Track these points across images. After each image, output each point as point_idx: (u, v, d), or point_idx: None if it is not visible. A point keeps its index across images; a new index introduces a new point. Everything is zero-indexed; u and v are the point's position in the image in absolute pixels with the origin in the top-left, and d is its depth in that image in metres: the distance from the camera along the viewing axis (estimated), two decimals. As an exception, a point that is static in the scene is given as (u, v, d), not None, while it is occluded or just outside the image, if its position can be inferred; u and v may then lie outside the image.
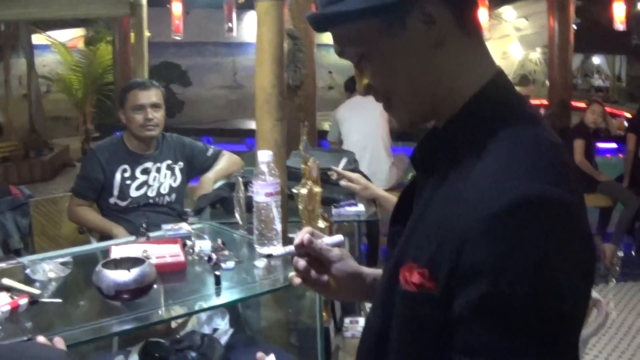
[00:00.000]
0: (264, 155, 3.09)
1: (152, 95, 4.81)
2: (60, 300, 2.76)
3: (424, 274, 1.39)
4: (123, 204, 4.82)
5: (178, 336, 3.17)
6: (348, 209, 4.39)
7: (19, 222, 5.79)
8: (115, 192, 4.81)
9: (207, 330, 3.41)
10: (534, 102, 12.48)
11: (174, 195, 4.96)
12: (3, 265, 3.07)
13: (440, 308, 1.36)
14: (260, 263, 3.06)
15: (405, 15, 1.39)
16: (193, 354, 2.88)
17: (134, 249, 3.13)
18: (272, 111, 3.49)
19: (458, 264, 1.31)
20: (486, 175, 1.34)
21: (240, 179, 3.65)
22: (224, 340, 3.20)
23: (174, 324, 3.69)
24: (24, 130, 16.48)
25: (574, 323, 1.34)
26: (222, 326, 3.42)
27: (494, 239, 1.27)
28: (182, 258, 3.07)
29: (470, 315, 1.30)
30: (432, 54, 1.43)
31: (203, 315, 3.40)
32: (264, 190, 3.06)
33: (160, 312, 2.74)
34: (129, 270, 2.62)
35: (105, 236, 4.77)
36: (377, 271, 1.89)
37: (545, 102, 11.72)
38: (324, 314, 3.22)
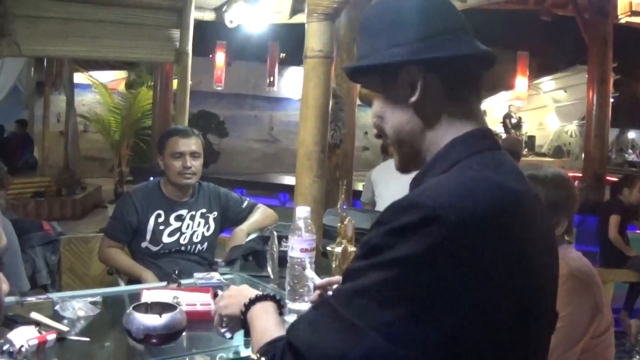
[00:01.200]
0: (302, 211, 3.08)
1: (192, 144, 4.83)
2: (87, 339, 2.75)
3: None
4: (155, 249, 4.81)
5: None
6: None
7: (48, 258, 5.79)
8: (148, 236, 4.81)
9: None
10: (570, 174, 12.41)
11: (205, 244, 4.95)
12: (32, 299, 3.06)
13: None
14: (290, 318, 3.03)
15: (397, 76, 1.72)
16: (232, 402, 2.86)
17: (165, 295, 3.13)
18: (313, 167, 3.50)
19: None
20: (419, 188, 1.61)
21: (274, 233, 3.65)
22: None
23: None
24: (59, 167, 16.65)
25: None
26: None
27: (381, 223, 1.53)
28: (212, 307, 3.05)
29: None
30: (414, 111, 1.73)
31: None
32: (299, 246, 3.04)
33: (185, 359, 2.72)
34: (160, 316, 2.61)
35: (133, 279, 4.77)
36: None
37: (579, 174, 11.72)
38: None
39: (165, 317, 2.61)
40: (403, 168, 1.87)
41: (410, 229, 1.46)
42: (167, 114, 12.57)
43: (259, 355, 1.70)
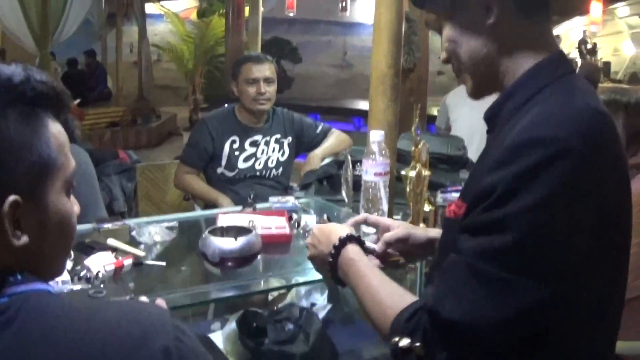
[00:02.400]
0: (376, 135, 3.05)
1: (266, 70, 4.83)
2: (163, 264, 2.78)
3: (460, 206, 1.69)
4: (230, 174, 4.85)
5: (276, 308, 3.16)
6: (454, 194, 4.30)
7: (124, 186, 5.88)
8: (223, 162, 4.85)
9: (305, 304, 3.39)
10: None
11: (280, 169, 4.97)
12: (109, 225, 3.09)
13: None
14: (369, 239, 3.02)
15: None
16: (291, 326, 2.87)
17: (240, 219, 3.14)
18: (386, 91, 3.45)
19: (478, 191, 1.54)
20: (523, 125, 1.53)
21: (349, 157, 3.63)
22: (321, 315, 3.19)
23: (270, 296, 3.70)
24: (133, 97, 16.81)
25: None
26: (321, 301, 3.41)
27: (504, 165, 1.47)
28: (287, 230, 3.06)
29: (466, 228, 1.55)
30: (490, 34, 1.69)
31: (302, 290, 3.38)
32: (373, 170, 3.03)
33: (260, 282, 2.74)
34: (235, 239, 2.62)
35: (209, 205, 4.82)
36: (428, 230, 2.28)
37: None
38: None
39: (241, 241, 2.62)
40: (476, 94, 1.84)
41: (542, 167, 1.43)
42: (239, 41, 12.51)
43: (392, 335, 1.58)
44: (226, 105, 5.19)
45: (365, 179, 3.06)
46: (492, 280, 1.45)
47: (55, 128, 1.34)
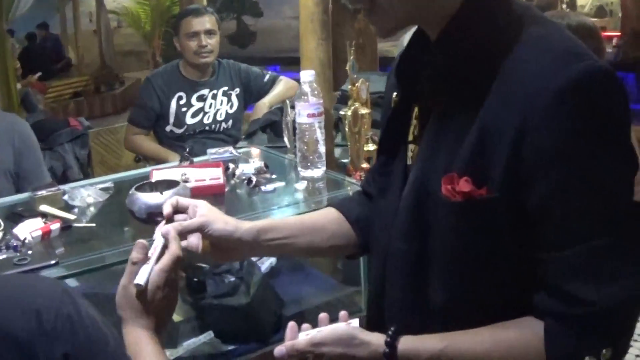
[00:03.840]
0: (306, 75, 2.97)
1: (206, 22, 4.76)
2: (93, 225, 2.71)
3: (468, 182, 1.36)
4: (179, 131, 4.81)
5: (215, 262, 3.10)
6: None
7: (77, 153, 5.78)
8: (172, 119, 4.80)
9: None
10: (610, 34, 12.08)
11: (230, 122, 4.92)
12: (43, 192, 3.01)
13: (499, 211, 1.34)
14: (301, 186, 2.97)
15: None
16: (232, 279, 2.81)
17: (174, 173, 3.06)
18: (316, 30, 3.37)
19: (518, 158, 1.30)
20: (536, 62, 1.31)
21: (287, 102, 3.55)
22: (268, 263, 3.13)
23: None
24: (96, 66, 16.65)
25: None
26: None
27: (567, 113, 1.26)
28: (221, 181, 2.99)
29: (555, 206, 1.30)
30: None
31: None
32: (306, 111, 2.95)
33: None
34: (161, 193, 2.54)
35: (161, 164, 4.76)
36: (257, 223, 1.78)
37: (618, 33, 11.42)
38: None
39: (167, 194, 2.53)
40: (394, 31, 1.49)
41: (607, 98, 1.29)
42: (194, -1, 12.38)
43: None
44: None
45: (298, 121, 2.99)
46: (623, 245, 1.28)
47: None
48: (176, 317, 2.93)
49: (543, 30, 1.38)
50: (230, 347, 2.79)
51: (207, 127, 4.85)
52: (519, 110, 1.28)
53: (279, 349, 1.51)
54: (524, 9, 1.42)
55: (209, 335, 2.76)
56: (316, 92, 2.96)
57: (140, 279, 1.52)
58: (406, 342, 1.45)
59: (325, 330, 1.51)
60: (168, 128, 4.83)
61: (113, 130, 5.99)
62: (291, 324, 1.56)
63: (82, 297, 1.23)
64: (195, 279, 2.91)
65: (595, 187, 1.27)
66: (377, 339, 1.47)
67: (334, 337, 1.48)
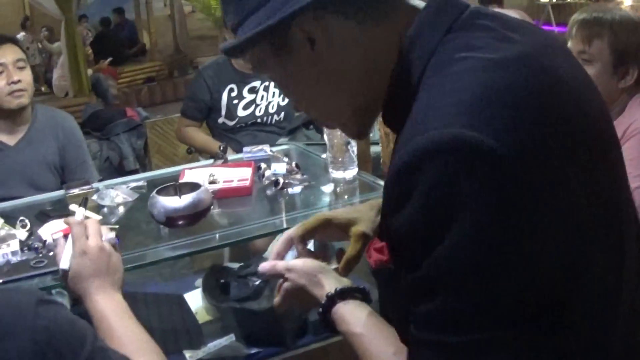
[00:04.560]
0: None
1: None
2: (116, 226, 2.71)
3: (382, 249, 1.37)
4: (231, 123, 4.81)
5: (243, 264, 3.08)
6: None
7: (134, 144, 5.85)
8: (223, 112, 4.80)
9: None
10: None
11: (282, 114, 4.89)
12: (76, 191, 3.04)
13: (397, 282, 1.28)
14: (328, 188, 2.92)
15: (287, 37, 1.30)
16: (256, 282, 2.79)
17: (204, 173, 3.05)
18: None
19: (390, 233, 1.24)
20: (405, 129, 1.21)
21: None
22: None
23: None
24: (169, 51, 16.75)
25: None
26: (300, 248, 3.32)
27: (398, 202, 1.16)
28: (248, 183, 2.96)
29: (409, 289, 1.22)
30: (328, 63, 1.32)
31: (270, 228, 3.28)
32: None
33: (215, 237, 2.66)
34: (180, 197, 2.54)
35: (213, 156, 4.77)
36: None
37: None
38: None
39: (186, 199, 2.53)
40: (364, 131, 1.46)
41: (446, 186, 1.11)
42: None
43: None
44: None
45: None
46: (463, 350, 1.17)
47: None
48: (200, 318, 2.94)
49: (437, 79, 1.22)
50: (253, 351, 2.77)
51: (258, 120, 4.84)
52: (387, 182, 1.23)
53: (263, 265, 1.66)
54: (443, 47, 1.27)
55: (230, 338, 2.74)
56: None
57: (64, 263, 1.80)
58: (341, 308, 1.49)
59: (300, 261, 1.61)
60: (220, 120, 4.83)
61: (170, 120, 6.01)
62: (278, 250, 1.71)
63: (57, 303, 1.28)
64: (222, 280, 2.90)
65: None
66: (328, 286, 1.52)
67: (302, 268, 1.57)
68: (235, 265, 3.04)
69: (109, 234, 1.92)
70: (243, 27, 1.33)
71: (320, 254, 1.73)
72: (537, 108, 1.15)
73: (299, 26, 1.28)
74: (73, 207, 2.86)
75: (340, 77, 1.34)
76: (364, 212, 1.72)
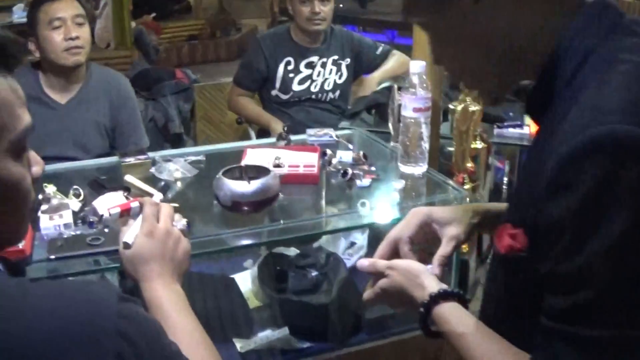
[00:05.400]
0: (416, 66, 2.79)
1: None
2: (176, 205, 2.59)
3: (515, 235, 1.38)
4: (284, 97, 4.72)
5: (300, 252, 2.96)
6: (512, 130, 3.96)
7: (181, 107, 5.75)
8: (277, 84, 4.71)
9: (343, 243, 3.19)
10: None
11: (337, 92, 4.80)
12: (131, 159, 2.92)
13: (530, 270, 1.32)
14: (399, 184, 2.79)
15: None
16: (314, 273, 2.70)
17: (268, 154, 2.92)
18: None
19: (538, 220, 1.26)
20: (572, 118, 1.23)
21: (395, 86, 3.36)
22: (357, 256, 3.00)
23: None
24: (213, 10, 16.60)
25: None
26: (360, 241, 3.21)
27: (557, 191, 1.20)
28: (315, 170, 2.83)
29: (549, 280, 1.26)
30: (487, 23, 1.37)
31: (340, 224, 3.18)
32: (412, 105, 2.78)
33: (285, 229, 2.53)
34: (248, 182, 2.42)
35: (263, 129, 4.68)
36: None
37: None
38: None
39: (255, 184, 2.41)
40: (501, 98, 1.56)
41: (609, 184, 1.15)
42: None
43: None
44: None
45: (403, 114, 2.82)
46: (599, 344, 1.20)
47: None
48: (252, 304, 2.84)
49: (604, 77, 1.25)
50: (306, 345, 2.69)
51: (313, 96, 4.75)
52: (549, 169, 1.23)
53: (362, 261, 1.75)
54: (606, 32, 1.33)
55: (284, 331, 2.64)
56: (425, 85, 2.79)
57: (128, 237, 1.76)
58: (444, 308, 1.53)
59: (404, 261, 1.69)
60: (274, 92, 4.74)
61: (219, 86, 5.92)
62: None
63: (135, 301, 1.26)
64: (278, 267, 2.80)
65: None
66: (431, 288, 1.56)
67: (405, 268, 1.64)
68: (292, 253, 2.92)
69: (182, 221, 1.86)
70: None
71: (421, 255, 1.76)
72: None
73: None
74: (129, 177, 2.77)
75: (492, 40, 1.38)
76: (461, 214, 1.77)
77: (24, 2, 11.73)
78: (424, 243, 1.81)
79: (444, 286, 1.57)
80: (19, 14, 11.18)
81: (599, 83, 1.24)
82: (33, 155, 1.32)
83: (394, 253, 1.77)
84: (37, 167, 1.34)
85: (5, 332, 1.06)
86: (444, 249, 1.73)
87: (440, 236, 1.76)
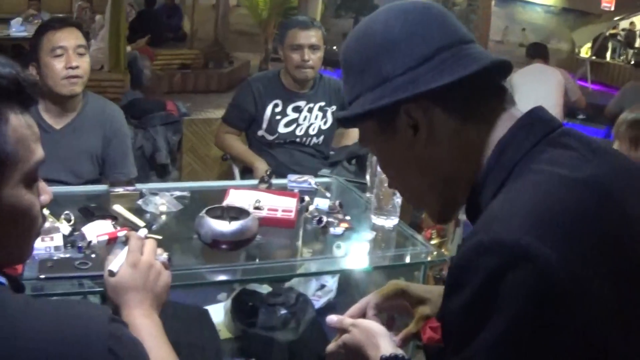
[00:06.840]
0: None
1: (312, 36, 4.73)
2: (159, 237, 2.74)
3: (436, 329, 1.52)
4: (270, 138, 4.82)
5: (272, 291, 3.13)
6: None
7: (169, 138, 5.89)
8: (264, 125, 4.81)
9: (314, 285, 3.35)
10: None
11: (322, 138, 4.91)
12: (120, 190, 3.08)
13: None
14: (369, 236, 2.96)
15: (394, 119, 1.46)
16: (283, 311, 2.85)
17: (249, 196, 3.09)
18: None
19: (444, 315, 1.37)
20: (478, 223, 1.33)
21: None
22: (324, 299, 3.16)
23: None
24: (208, 41, 16.78)
25: None
26: (330, 284, 3.37)
27: (452, 290, 1.30)
28: (292, 215, 3.00)
29: None
30: (426, 150, 1.46)
31: (312, 268, 3.33)
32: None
33: (259, 269, 2.72)
34: (229, 222, 2.59)
35: (247, 167, 4.81)
36: None
37: None
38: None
39: (235, 225, 2.58)
40: (445, 217, 1.61)
41: (493, 285, 1.21)
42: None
43: None
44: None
45: (379, 169, 2.98)
46: None
47: (17, 121, 1.32)
48: (223, 335, 2.98)
49: (516, 185, 1.36)
50: (269, 379, 2.81)
51: (297, 139, 4.86)
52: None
53: (330, 317, 1.82)
54: (524, 157, 1.41)
55: (251, 363, 2.79)
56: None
57: (114, 266, 1.83)
58: None
59: (367, 321, 1.77)
60: (260, 133, 4.85)
61: (208, 121, 6.08)
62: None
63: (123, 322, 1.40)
64: (250, 303, 2.95)
65: None
66: (384, 350, 1.65)
67: (366, 327, 1.73)
68: (264, 290, 3.07)
69: (163, 254, 1.96)
70: (358, 101, 1.50)
71: (388, 323, 1.86)
72: (589, 233, 1.24)
73: (407, 112, 1.44)
74: (117, 207, 2.92)
75: (431, 165, 1.49)
76: (435, 295, 1.83)
77: (22, 16, 11.91)
78: (390, 312, 1.91)
79: (399, 351, 1.64)
80: (16, 28, 11.32)
81: (506, 192, 1.35)
82: (42, 185, 1.46)
83: (364, 315, 1.85)
84: (46, 196, 1.47)
85: (4, 349, 1.19)
86: (413, 326, 1.82)
87: (411, 312, 1.86)
